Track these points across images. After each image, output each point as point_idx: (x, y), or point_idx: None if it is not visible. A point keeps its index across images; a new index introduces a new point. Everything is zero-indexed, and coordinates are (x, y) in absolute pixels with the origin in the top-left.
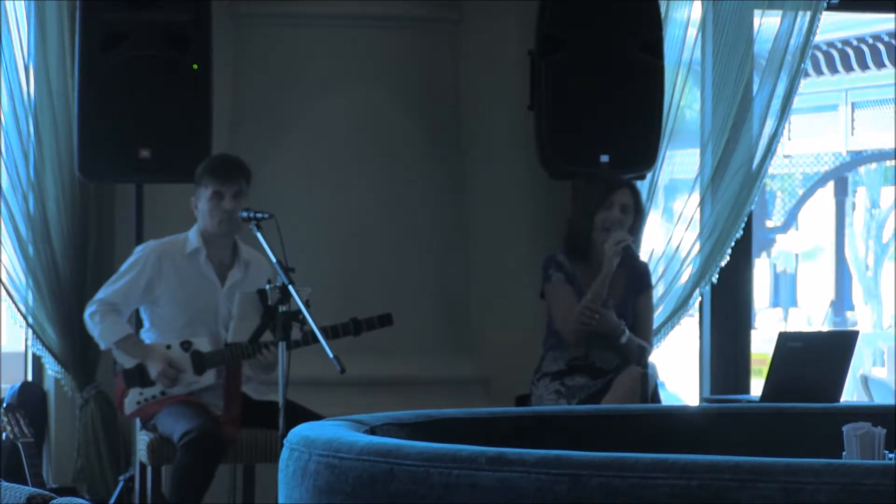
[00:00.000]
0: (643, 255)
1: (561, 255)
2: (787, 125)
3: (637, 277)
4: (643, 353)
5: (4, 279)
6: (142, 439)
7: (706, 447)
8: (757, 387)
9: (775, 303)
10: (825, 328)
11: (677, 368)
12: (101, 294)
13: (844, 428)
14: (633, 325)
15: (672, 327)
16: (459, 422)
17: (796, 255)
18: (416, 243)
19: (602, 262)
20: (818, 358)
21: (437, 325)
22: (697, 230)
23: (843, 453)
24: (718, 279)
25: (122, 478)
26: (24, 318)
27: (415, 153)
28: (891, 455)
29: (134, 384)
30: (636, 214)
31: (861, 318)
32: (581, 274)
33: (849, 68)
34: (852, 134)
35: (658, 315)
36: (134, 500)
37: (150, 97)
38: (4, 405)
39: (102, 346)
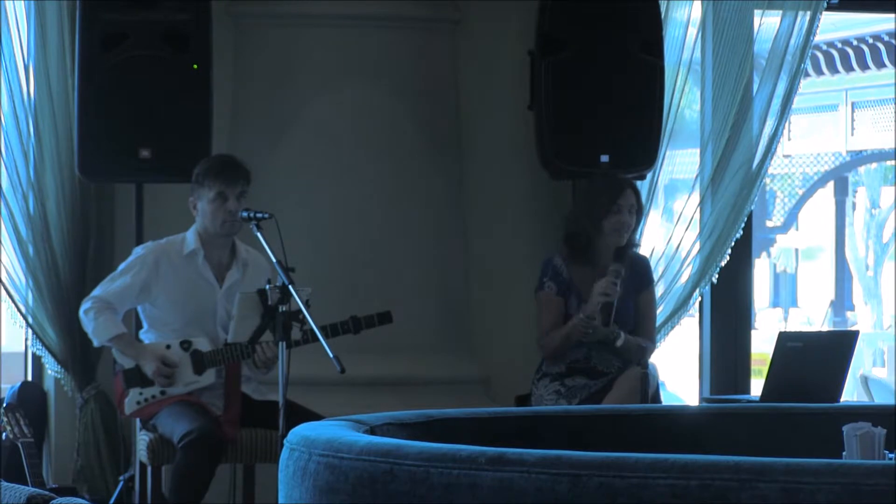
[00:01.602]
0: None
1: (558, 258)
2: (787, 125)
3: (638, 274)
4: (643, 353)
5: (4, 279)
6: (142, 439)
7: (706, 447)
8: (757, 387)
9: (775, 303)
10: (825, 328)
11: (677, 368)
12: (97, 291)
13: (844, 428)
14: (635, 323)
15: (672, 327)
16: (459, 422)
17: (796, 255)
18: (416, 243)
19: (606, 266)
20: (818, 358)
21: (437, 325)
22: (697, 230)
23: (843, 453)
24: (718, 279)
25: (122, 478)
26: (24, 318)
27: (415, 153)
28: (891, 455)
29: (134, 384)
30: (639, 215)
31: (861, 318)
32: (578, 277)
33: (849, 68)
34: (852, 134)
35: (658, 315)
36: (134, 500)
37: (150, 97)
38: (4, 405)
39: (96, 343)
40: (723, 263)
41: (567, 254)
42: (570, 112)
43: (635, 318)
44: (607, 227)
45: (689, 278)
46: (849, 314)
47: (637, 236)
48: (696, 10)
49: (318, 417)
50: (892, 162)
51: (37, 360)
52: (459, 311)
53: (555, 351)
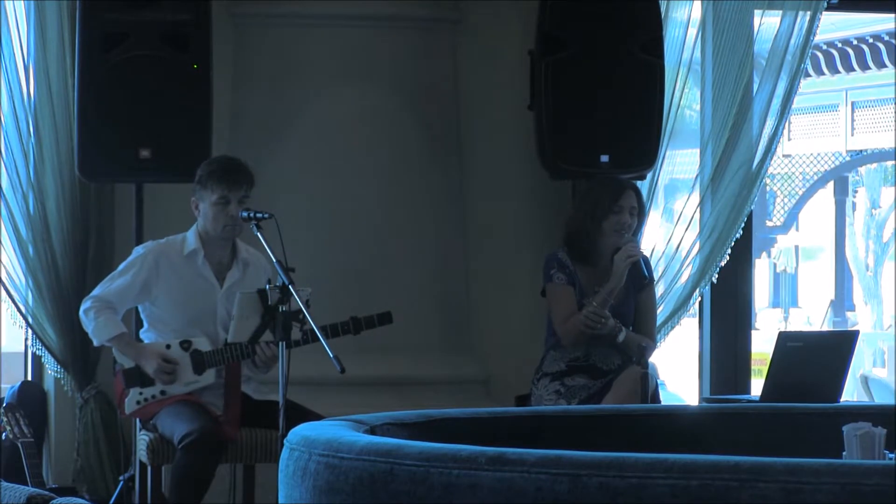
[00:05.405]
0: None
1: (562, 252)
2: (787, 125)
3: (639, 272)
4: (643, 352)
5: (4, 279)
6: (142, 439)
7: (706, 447)
8: (757, 387)
9: (775, 303)
10: (825, 328)
11: (677, 368)
12: (97, 291)
13: (844, 428)
14: (635, 321)
15: (672, 327)
16: (459, 422)
17: (796, 255)
18: (416, 243)
19: (607, 267)
20: (818, 358)
21: (437, 325)
22: (697, 230)
23: (843, 453)
24: (718, 279)
25: (122, 478)
26: (24, 318)
27: (415, 153)
28: (891, 455)
29: (134, 384)
30: (640, 216)
31: (861, 318)
32: (582, 274)
33: (849, 68)
34: (852, 134)
35: (658, 315)
36: (134, 500)
37: (150, 97)
38: (4, 405)
39: (95, 343)
40: (723, 263)
41: (569, 254)
42: (570, 112)
43: (636, 317)
44: (608, 228)
45: (689, 278)
46: (849, 314)
47: (638, 242)
48: (696, 10)
49: (318, 417)
50: (892, 162)
51: (37, 360)
52: (459, 311)
53: (577, 336)
